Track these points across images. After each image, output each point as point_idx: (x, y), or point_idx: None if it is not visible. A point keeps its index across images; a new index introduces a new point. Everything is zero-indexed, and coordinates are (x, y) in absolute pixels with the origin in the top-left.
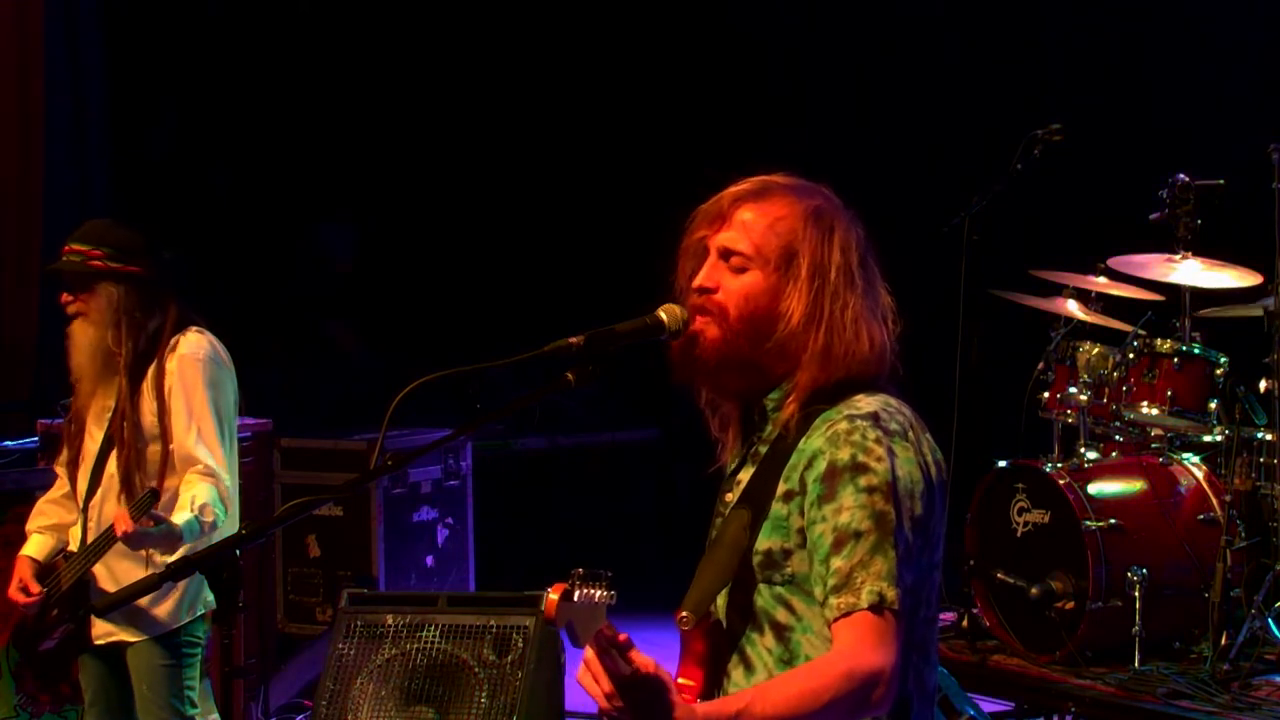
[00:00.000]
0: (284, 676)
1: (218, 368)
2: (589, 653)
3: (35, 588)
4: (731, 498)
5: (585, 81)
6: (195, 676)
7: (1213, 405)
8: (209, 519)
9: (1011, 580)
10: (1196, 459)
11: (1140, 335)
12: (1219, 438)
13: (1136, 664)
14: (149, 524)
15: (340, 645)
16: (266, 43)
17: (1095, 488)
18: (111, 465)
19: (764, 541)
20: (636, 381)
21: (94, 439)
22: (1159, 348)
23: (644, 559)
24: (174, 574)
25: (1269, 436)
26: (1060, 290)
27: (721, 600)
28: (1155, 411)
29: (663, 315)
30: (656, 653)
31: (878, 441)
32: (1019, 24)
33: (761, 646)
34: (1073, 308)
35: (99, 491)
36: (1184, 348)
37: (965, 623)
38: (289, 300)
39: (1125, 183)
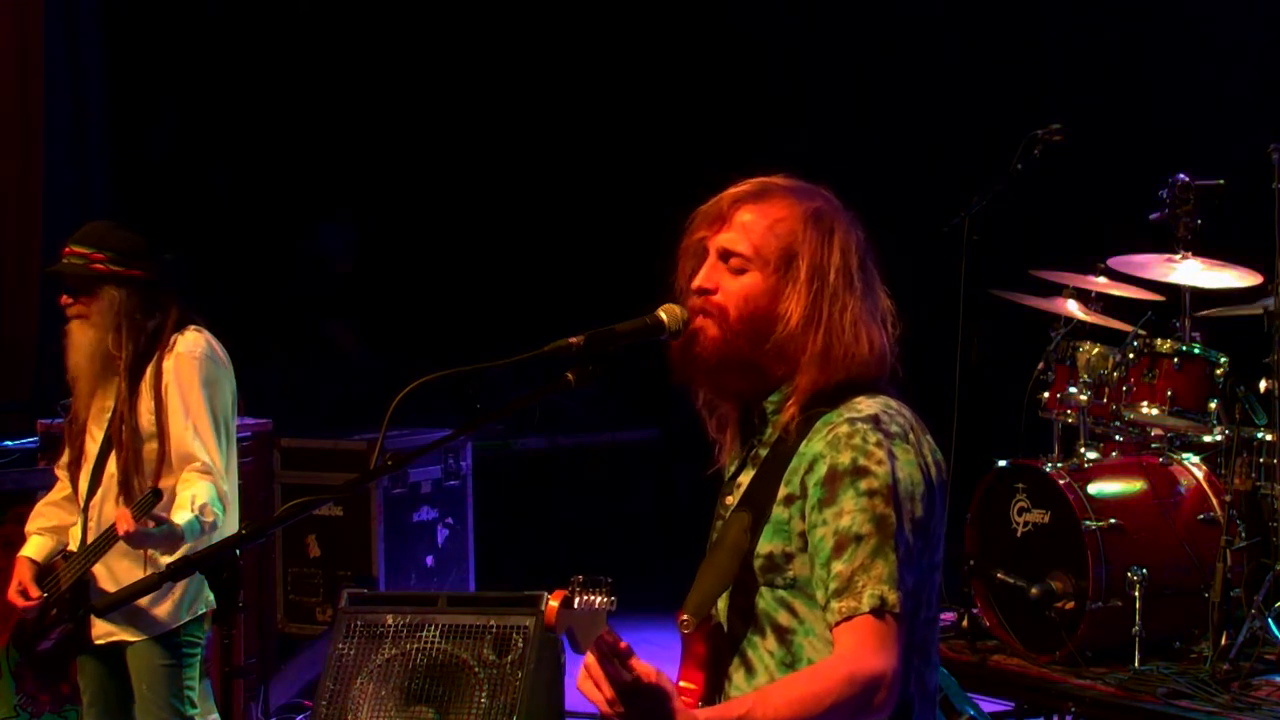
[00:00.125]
0: (284, 676)
1: (214, 366)
2: (590, 659)
3: (34, 591)
4: (732, 500)
5: (585, 81)
6: (195, 676)
7: (1213, 405)
8: (209, 519)
9: (1011, 580)
10: (1196, 459)
11: (1140, 335)
12: (1219, 438)
13: (1136, 664)
14: (150, 524)
15: (340, 645)
16: (266, 43)
17: (1095, 488)
18: (111, 466)
19: (765, 545)
20: (636, 381)
21: (94, 439)
22: (1159, 348)
23: (644, 559)
24: (174, 574)
25: (1269, 436)
26: (1060, 290)
27: (722, 603)
28: (1155, 411)
29: (663, 315)
30: (656, 654)
31: (878, 445)
32: (1019, 24)
33: (763, 649)
34: (1073, 308)
35: (99, 492)
36: (1184, 348)
37: (965, 623)
38: (289, 300)
39: (1125, 183)
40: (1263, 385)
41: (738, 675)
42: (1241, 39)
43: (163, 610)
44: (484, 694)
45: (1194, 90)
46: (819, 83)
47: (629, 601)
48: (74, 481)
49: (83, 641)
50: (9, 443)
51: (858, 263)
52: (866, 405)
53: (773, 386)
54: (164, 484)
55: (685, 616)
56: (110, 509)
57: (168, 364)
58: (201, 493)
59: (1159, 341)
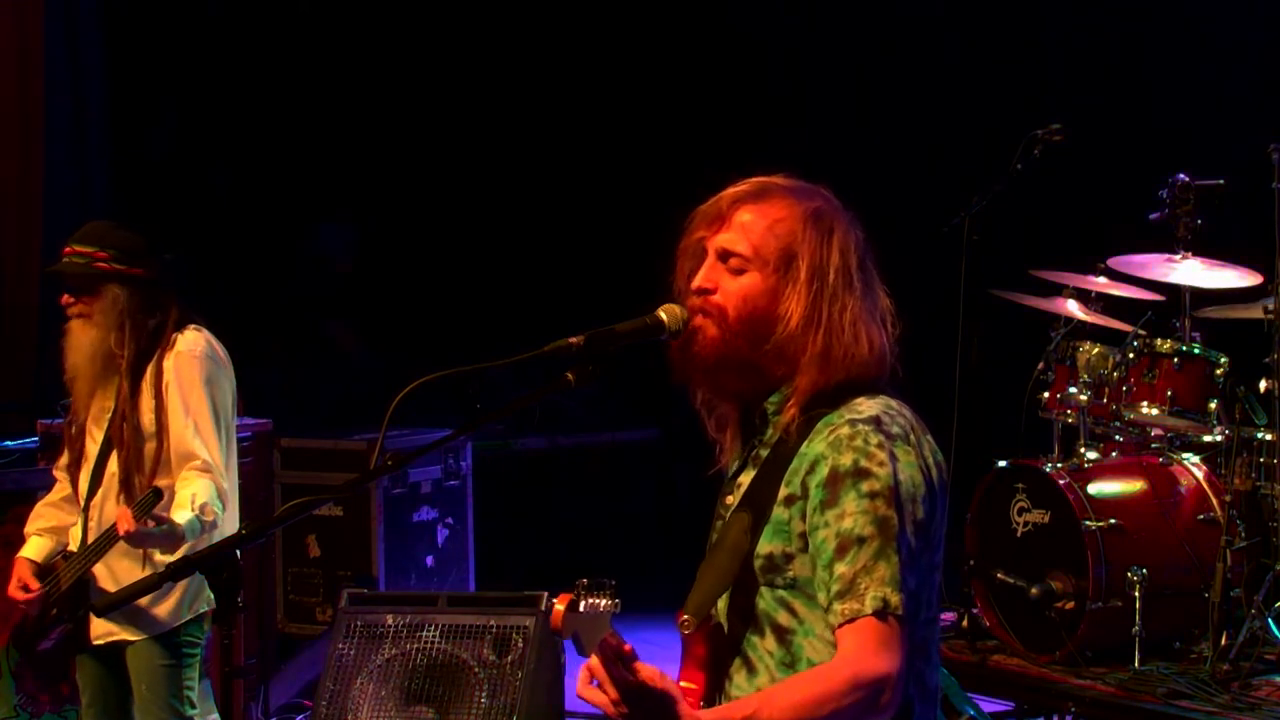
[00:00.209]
0: (284, 676)
1: (214, 365)
2: (594, 661)
3: (35, 585)
4: (732, 500)
5: (585, 81)
6: (195, 676)
7: (1213, 405)
8: (209, 517)
9: (1011, 580)
10: (1196, 459)
11: (1140, 335)
12: (1219, 438)
13: (1136, 664)
14: (151, 524)
15: (340, 645)
16: (266, 43)
17: (1095, 488)
18: (112, 465)
19: (765, 545)
20: (636, 381)
21: (94, 440)
22: (1159, 348)
23: (644, 559)
24: (174, 574)
25: (1269, 436)
26: (1060, 290)
27: (722, 604)
28: (1155, 411)
29: (663, 315)
30: (656, 654)
31: (880, 446)
32: (1019, 24)
33: (763, 649)
34: (1073, 308)
35: (100, 492)
36: (1184, 348)
37: (965, 623)
38: (289, 300)
39: (1125, 183)
40: (1263, 385)
41: (739, 675)
42: (1241, 39)
43: (163, 610)
44: (484, 694)
45: (1194, 90)
46: (819, 83)
47: (629, 602)
48: (74, 482)
49: (81, 641)
50: (9, 443)
51: (857, 262)
52: (867, 406)
53: (773, 387)
54: (163, 483)
55: (685, 617)
56: (111, 508)
57: (168, 363)
58: (202, 491)
59: (1159, 341)
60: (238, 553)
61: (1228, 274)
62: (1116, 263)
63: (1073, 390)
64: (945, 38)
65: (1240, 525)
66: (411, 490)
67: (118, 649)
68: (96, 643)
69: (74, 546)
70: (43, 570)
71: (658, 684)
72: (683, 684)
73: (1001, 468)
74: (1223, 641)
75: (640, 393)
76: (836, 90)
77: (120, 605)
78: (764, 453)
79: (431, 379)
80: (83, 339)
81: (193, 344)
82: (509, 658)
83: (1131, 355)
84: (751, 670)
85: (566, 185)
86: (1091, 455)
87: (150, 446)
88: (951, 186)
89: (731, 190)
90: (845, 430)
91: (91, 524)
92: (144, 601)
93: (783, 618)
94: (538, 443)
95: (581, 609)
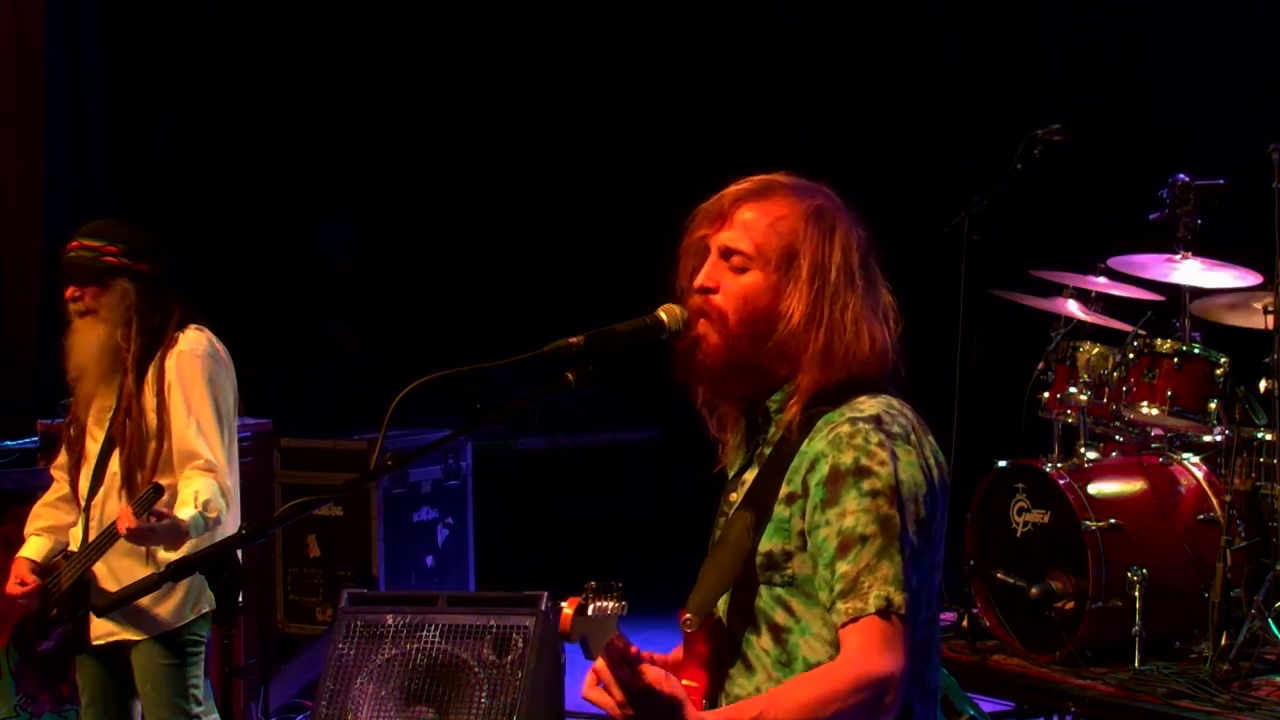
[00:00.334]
0: (284, 676)
1: (216, 364)
2: (600, 663)
3: (31, 579)
4: (736, 498)
5: (585, 81)
6: (200, 675)
7: (1213, 405)
8: (213, 514)
9: (1011, 580)
10: (1196, 459)
11: (1140, 335)
12: (1219, 438)
13: (1136, 664)
14: (151, 520)
15: (340, 645)
16: (266, 43)
17: (1095, 488)
18: (114, 464)
19: (766, 543)
20: (636, 381)
21: (95, 440)
22: (1159, 348)
23: (644, 559)
24: (174, 574)
25: (1269, 436)
26: (1060, 290)
27: (723, 602)
28: (1155, 411)
29: (663, 315)
30: (657, 653)
31: (880, 445)
32: (1019, 24)
33: (759, 648)
34: (1073, 308)
35: (101, 491)
36: (1184, 348)
37: (965, 623)
38: (289, 300)
39: (1125, 183)
40: (1263, 385)
41: (738, 674)
42: (1241, 39)
43: (166, 609)
44: (484, 694)
45: (1194, 90)
46: (819, 83)
47: (629, 602)
48: (74, 482)
49: (81, 641)
50: (9, 443)
51: (859, 260)
52: (868, 405)
53: (775, 386)
54: (164, 482)
55: (688, 615)
56: (113, 507)
57: (170, 362)
58: (205, 489)
59: (1159, 341)
60: (238, 553)
61: (1227, 274)
62: (1116, 263)
63: (1073, 390)
64: (945, 38)
65: (1240, 525)
66: (411, 490)
67: (118, 649)
68: (97, 643)
69: (74, 546)
70: (43, 570)
71: (664, 686)
72: (685, 682)
73: (1001, 468)
74: (1223, 641)
75: (640, 393)
76: (836, 90)
77: (121, 605)
78: (767, 451)
79: (431, 379)
80: (89, 337)
81: (195, 343)
82: (509, 658)
83: (1131, 355)
84: (750, 669)
85: (567, 185)
86: (1091, 455)
87: (152, 445)
88: (951, 186)
89: (733, 188)
90: (845, 428)
91: (92, 524)
92: (146, 601)
93: (780, 616)
94: (538, 443)
95: (590, 612)
